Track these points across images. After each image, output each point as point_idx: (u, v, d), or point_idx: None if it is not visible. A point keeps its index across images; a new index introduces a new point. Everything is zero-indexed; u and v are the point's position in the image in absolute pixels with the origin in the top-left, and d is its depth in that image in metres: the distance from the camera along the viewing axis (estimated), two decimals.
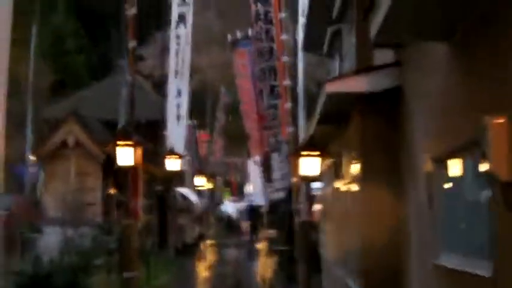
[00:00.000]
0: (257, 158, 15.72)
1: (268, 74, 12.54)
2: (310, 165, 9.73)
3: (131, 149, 10.58)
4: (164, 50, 23.27)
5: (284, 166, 12.53)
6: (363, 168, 8.50)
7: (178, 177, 29.42)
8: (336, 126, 10.23)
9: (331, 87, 8.27)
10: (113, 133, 17.89)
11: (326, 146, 10.18)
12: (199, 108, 42.58)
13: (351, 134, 9.29)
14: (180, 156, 18.45)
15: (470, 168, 5.78)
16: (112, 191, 17.48)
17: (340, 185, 10.88)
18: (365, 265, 8.46)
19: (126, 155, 10.62)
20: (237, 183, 50.33)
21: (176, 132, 21.20)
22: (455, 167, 6.29)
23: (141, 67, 39.54)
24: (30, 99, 31.58)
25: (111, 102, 22.38)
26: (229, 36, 19.96)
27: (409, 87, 7.87)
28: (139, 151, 10.70)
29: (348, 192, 10.22)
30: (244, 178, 38.69)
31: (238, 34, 19.28)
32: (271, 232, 24.94)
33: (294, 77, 13.46)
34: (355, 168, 9.10)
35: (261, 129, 12.62)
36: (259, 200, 17.80)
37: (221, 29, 38.12)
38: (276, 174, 12.61)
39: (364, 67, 8.87)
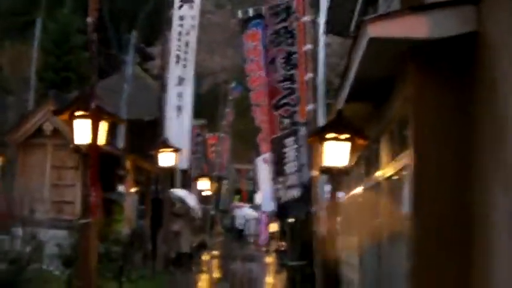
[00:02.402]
0: (267, 155, 12.84)
1: (284, 38, 9.58)
2: (336, 152, 6.89)
3: (89, 121, 7.76)
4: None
5: (301, 155, 9.62)
6: (417, 159, 5.66)
7: (179, 180, 26.80)
8: (374, 102, 7.43)
9: (375, 30, 5.42)
10: None
11: (358, 129, 7.34)
12: (210, 112, 39.84)
13: (397, 109, 6.48)
14: (175, 150, 15.61)
15: None
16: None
17: (376, 185, 8.06)
18: None
19: (84, 130, 7.86)
20: (248, 192, 47.62)
21: (176, 125, 18.44)
22: None
23: (150, 66, 37.26)
24: (32, 96, 29.81)
25: (112, 99, 20.00)
26: (239, 13, 17.12)
27: (495, 34, 5.05)
28: (104, 126, 7.88)
29: (389, 195, 7.41)
30: (255, 186, 35.73)
31: (251, 12, 16.51)
32: (282, 243, 22.18)
33: (314, 43, 10.57)
34: (402, 160, 6.32)
35: (273, 109, 9.69)
36: (268, 206, 14.89)
37: (237, 30, 35.76)
38: (290, 166, 9.72)
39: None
